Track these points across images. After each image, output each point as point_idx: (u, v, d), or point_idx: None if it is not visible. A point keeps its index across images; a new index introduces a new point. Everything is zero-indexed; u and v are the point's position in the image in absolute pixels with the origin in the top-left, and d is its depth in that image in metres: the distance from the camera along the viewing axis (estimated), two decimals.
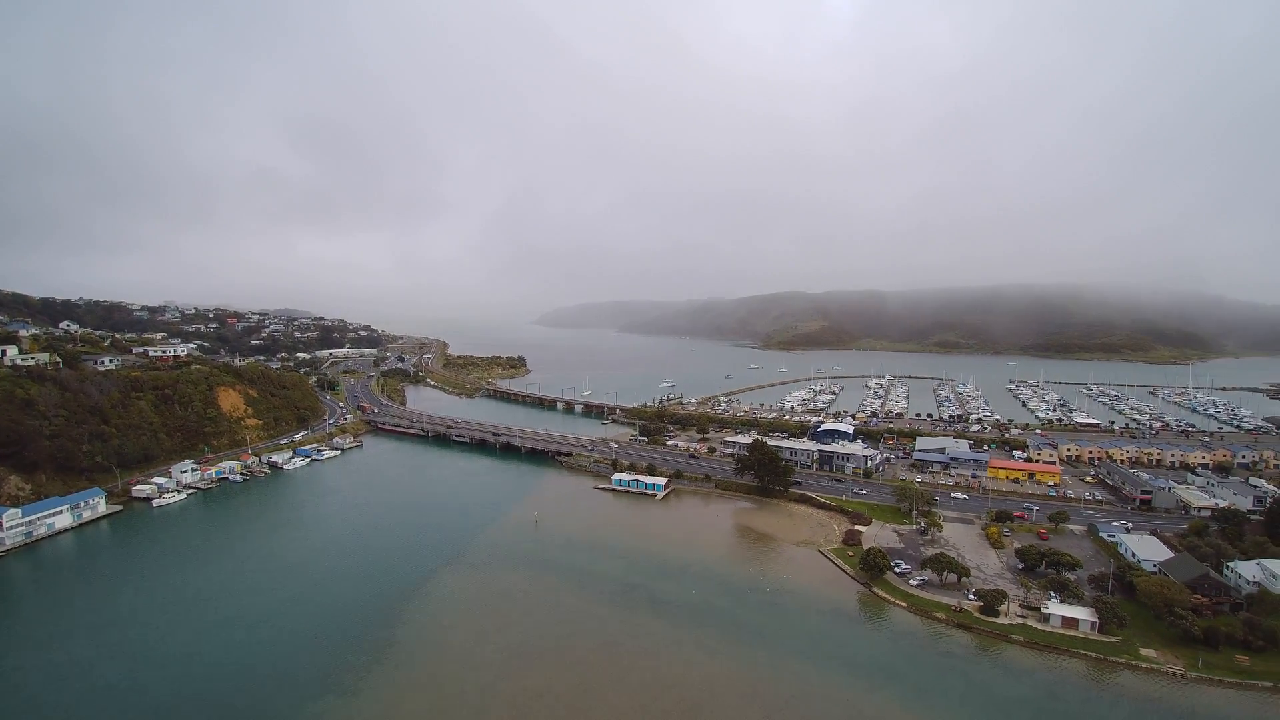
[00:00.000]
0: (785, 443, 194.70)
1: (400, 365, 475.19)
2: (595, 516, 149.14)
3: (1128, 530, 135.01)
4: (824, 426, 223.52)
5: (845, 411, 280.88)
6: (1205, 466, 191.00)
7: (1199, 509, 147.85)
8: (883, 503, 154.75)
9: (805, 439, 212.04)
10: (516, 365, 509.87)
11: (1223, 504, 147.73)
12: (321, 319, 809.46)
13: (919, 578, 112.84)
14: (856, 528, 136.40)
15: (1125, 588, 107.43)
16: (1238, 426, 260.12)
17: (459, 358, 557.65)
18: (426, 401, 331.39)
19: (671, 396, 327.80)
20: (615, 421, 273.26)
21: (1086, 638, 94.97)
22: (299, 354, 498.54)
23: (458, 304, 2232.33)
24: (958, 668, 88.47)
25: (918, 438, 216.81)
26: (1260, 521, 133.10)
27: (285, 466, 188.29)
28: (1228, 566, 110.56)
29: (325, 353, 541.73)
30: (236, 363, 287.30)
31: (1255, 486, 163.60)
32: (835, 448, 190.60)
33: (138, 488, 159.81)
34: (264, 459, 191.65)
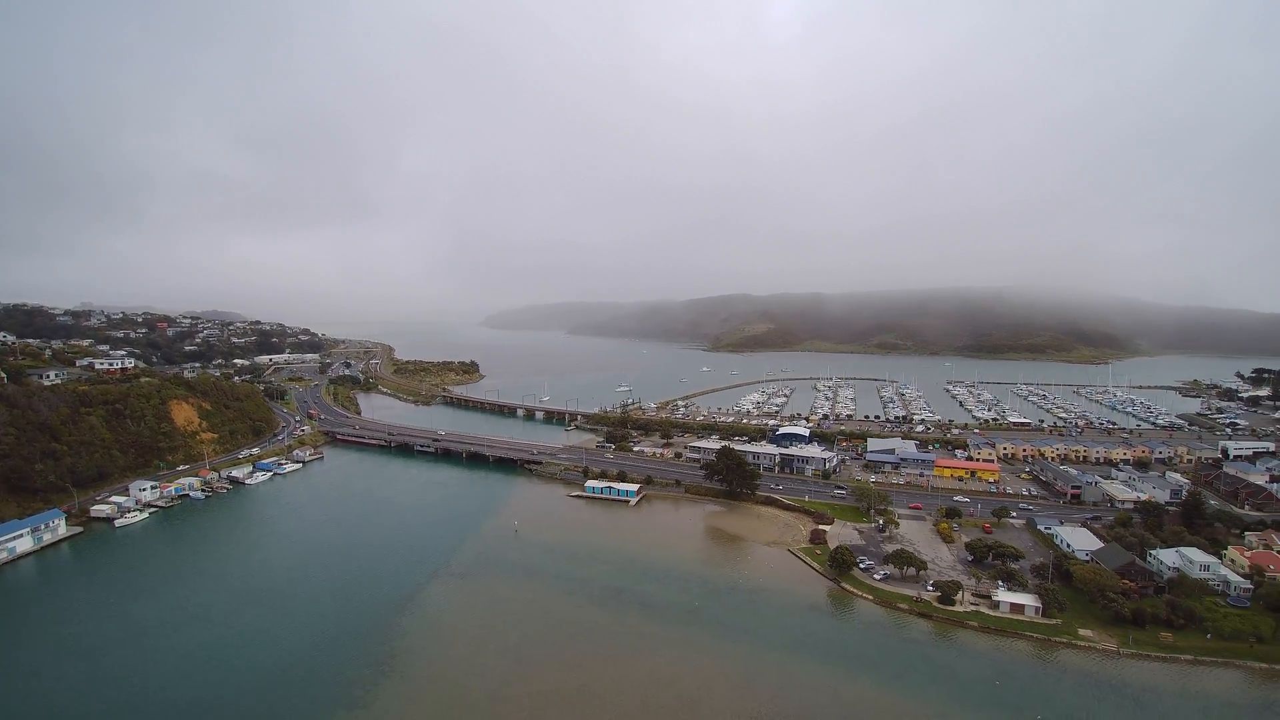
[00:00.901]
0: (748, 447, 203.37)
1: (347, 371, 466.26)
2: (573, 524, 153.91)
3: (1061, 523, 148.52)
4: (782, 430, 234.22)
5: (799, 414, 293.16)
6: (1127, 462, 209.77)
7: (1123, 502, 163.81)
8: (842, 503, 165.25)
9: (764, 442, 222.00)
10: (470, 371, 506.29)
11: (1143, 497, 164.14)
12: (258, 323, 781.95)
13: (882, 572, 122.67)
14: (821, 527, 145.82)
15: (1063, 575, 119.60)
16: (1153, 423, 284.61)
17: (409, 363, 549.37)
18: (381, 410, 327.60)
19: (630, 401, 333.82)
20: (578, 428, 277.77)
21: (1032, 621, 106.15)
22: (237, 360, 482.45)
23: (401, 307, 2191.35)
24: (922, 652, 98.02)
25: (869, 439, 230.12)
26: (1177, 512, 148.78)
27: (247, 482, 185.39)
28: (1150, 554, 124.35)
29: (265, 359, 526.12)
30: (185, 373, 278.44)
31: (1171, 481, 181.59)
32: (795, 451, 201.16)
33: (96, 507, 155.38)
34: (224, 474, 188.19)
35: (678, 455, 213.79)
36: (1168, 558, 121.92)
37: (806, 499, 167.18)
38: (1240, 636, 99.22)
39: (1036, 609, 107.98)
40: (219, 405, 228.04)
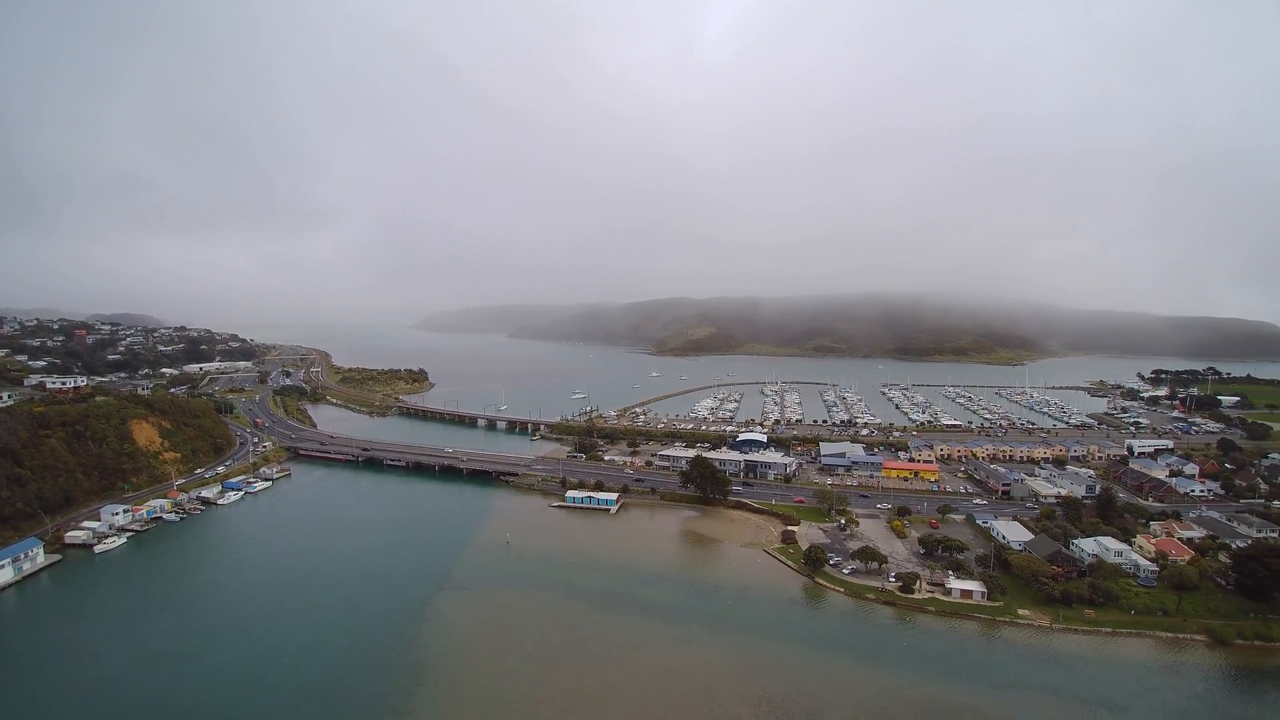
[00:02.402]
0: (714, 454, 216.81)
1: (289, 381, 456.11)
2: (560, 533, 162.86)
3: (996, 518, 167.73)
4: (742, 436, 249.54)
5: (753, 420, 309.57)
6: (1047, 461, 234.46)
7: (1046, 497, 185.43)
8: (806, 505, 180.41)
9: (725, 449, 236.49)
10: (419, 379, 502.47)
11: (1064, 493, 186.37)
12: (184, 329, 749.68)
13: (849, 567, 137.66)
14: (790, 528, 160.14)
15: (1002, 564, 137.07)
16: (1067, 423, 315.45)
17: (352, 371, 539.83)
18: (335, 422, 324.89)
19: (589, 408, 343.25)
20: (543, 437, 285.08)
21: (979, 604, 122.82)
22: (165, 370, 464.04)
23: (331, 310, 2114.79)
24: (890, 635, 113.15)
25: (821, 444, 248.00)
26: (1092, 506, 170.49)
27: (219, 502, 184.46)
28: (1073, 543, 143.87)
29: (195, 368, 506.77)
30: (140, 390, 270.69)
31: (1086, 476, 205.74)
32: (758, 457, 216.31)
33: (71, 534, 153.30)
34: (194, 495, 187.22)
35: (648, 463, 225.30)
36: (1087, 546, 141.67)
37: (774, 502, 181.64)
38: (1150, 611, 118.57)
39: (982, 594, 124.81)
40: (178, 424, 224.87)
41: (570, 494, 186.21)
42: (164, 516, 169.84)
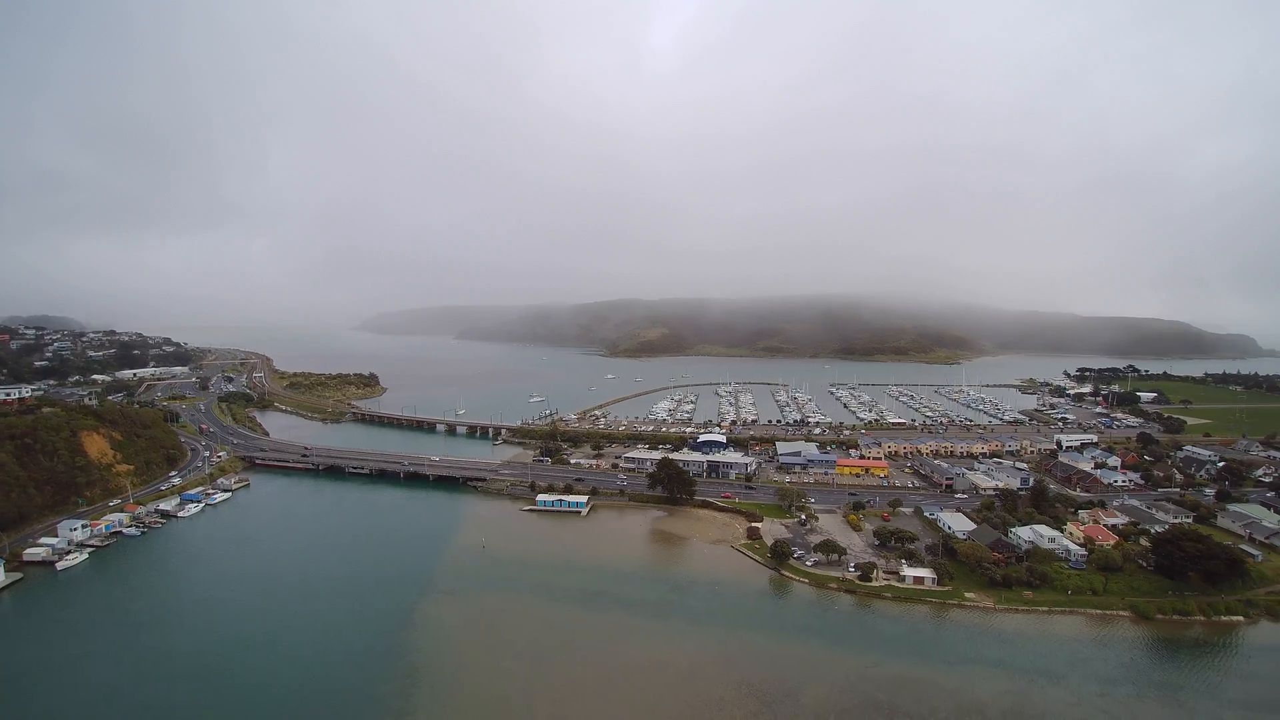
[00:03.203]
0: (678, 455, 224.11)
1: (232, 387, 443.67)
2: (535, 537, 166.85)
3: (941, 510, 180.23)
4: (702, 437, 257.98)
5: (711, 421, 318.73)
6: (985, 455, 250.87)
7: (985, 490, 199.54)
8: (767, 502, 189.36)
9: (686, 449, 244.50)
10: (371, 384, 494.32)
11: (1001, 485, 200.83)
12: (114, 332, 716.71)
13: (812, 559, 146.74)
14: (754, 525, 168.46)
15: (949, 552, 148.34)
16: (1001, 419, 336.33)
17: (298, 375, 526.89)
18: (287, 429, 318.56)
19: (549, 412, 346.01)
20: (505, 442, 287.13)
21: (930, 589, 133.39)
22: (96, 376, 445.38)
23: (269, 311, 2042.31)
24: (854, 619, 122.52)
25: (777, 443, 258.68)
26: (1027, 497, 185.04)
27: (179, 514, 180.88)
28: (1011, 531, 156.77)
29: (129, 373, 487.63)
30: (88, 400, 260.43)
31: (1021, 470, 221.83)
32: (720, 457, 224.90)
33: (29, 550, 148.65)
34: (153, 508, 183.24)
35: (614, 465, 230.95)
36: (1024, 534, 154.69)
37: (737, 500, 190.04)
38: (1080, 591, 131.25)
39: (933, 580, 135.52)
40: (129, 434, 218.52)
41: (541, 497, 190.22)
42: (123, 531, 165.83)
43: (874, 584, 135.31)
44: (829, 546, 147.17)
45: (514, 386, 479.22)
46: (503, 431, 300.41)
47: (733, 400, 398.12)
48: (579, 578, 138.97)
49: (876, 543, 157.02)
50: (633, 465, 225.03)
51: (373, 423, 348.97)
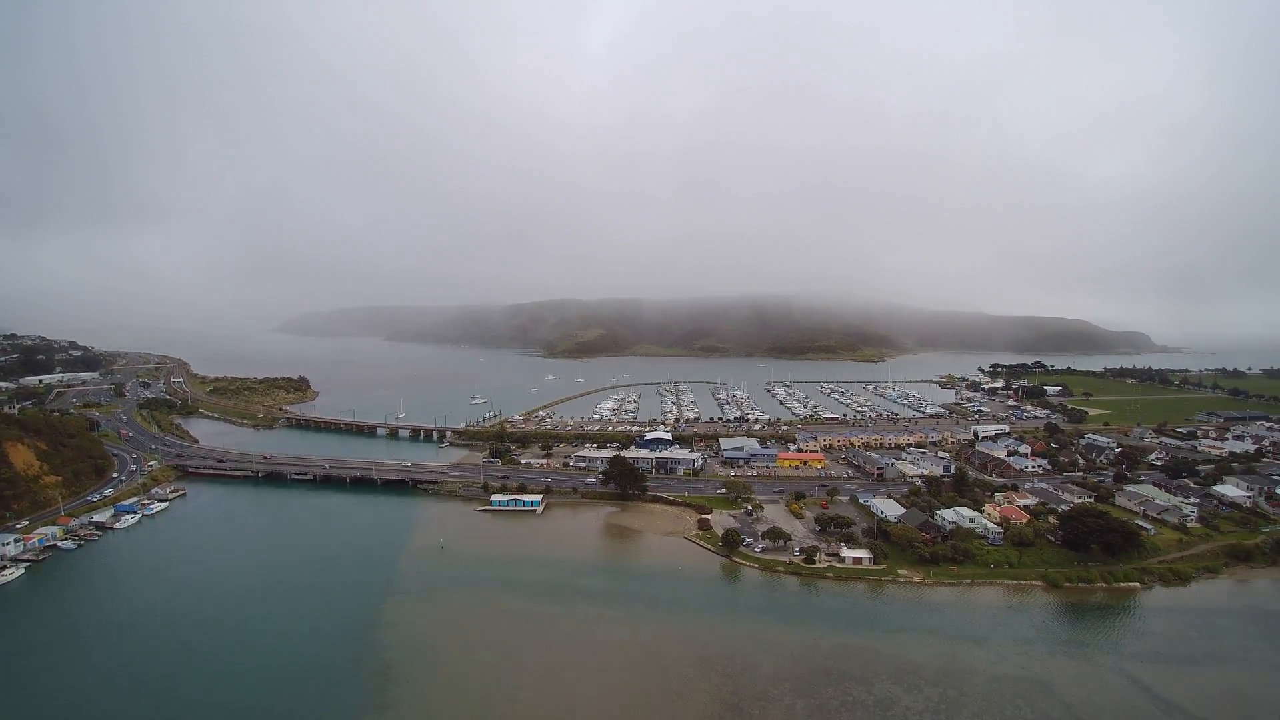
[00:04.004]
0: (629, 453, 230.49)
1: (150, 393, 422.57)
2: (492, 536, 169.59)
3: (874, 496, 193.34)
4: (649, 435, 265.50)
5: (655, 420, 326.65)
6: (911, 446, 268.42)
7: (913, 477, 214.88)
8: (714, 495, 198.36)
9: (633, 447, 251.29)
10: (301, 388, 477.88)
11: (926, 473, 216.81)
12: (14, 336, 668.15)
13: (760, 546, 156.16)
14: (704, 516, 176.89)
15: (883, 534, 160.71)
16: (923, 412, 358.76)
17: (221, 380, 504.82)
18: (217, 436, 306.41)
19: (493, 413, 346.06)
20: (451, 444, 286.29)
21: (868, 568, 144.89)
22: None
23: (178, 312, 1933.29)
24: (801, 598, 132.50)
25: (720, 439, 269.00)
26: (950, 482, 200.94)
27: (115, 526, 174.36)
28: (936, 514, 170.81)
29: (35, 380, 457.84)
30: (9, 409, 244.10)
31: (943, 459, 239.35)
32: (668, 454, 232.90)
33: None
34: (86, 520, 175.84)
35: (565, 464, 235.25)
36: (948, 515, 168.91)
37: (686, 494, 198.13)
38: (998, 564, 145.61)
39: (869, 559, 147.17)
40: (55, 444, 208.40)
41: (495, 497, 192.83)
42: (58, 545, 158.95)
43: (817, 566, 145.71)
44: (775, 533, 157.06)
45: (454, 389, 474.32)
46: (447, 434, 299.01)
47: (674, 399, 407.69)
48: (541, 572, 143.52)
49: (817, 528, 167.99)
50: (583, 464, 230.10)
51: (309, 428, 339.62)
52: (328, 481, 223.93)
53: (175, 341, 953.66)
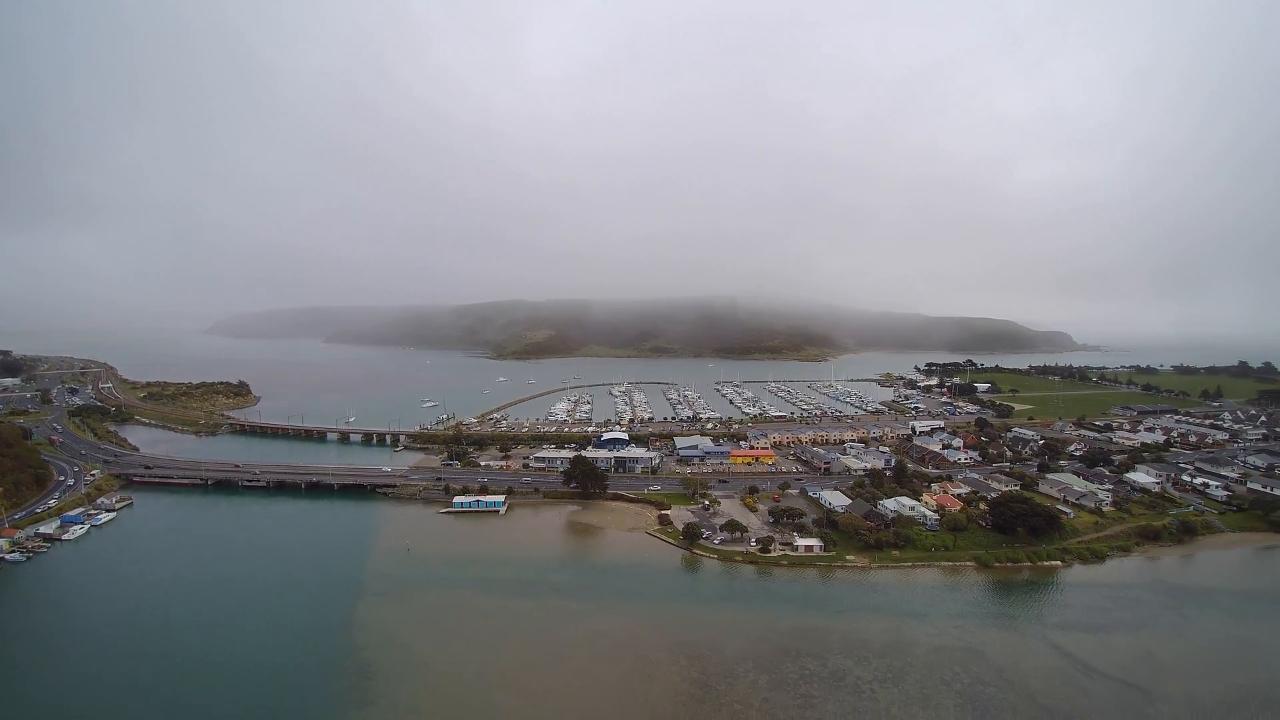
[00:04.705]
0: (588, 453, 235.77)
1: (79, 399, 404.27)
2: (457, 537, 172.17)
3: (822, 489, 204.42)
4: (606, 436, 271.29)
5: (610, 420, 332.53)
6: (854, 441, 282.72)
7: (857, 470, 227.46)
8: (672, 491, 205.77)
9: (591, 447, 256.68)
10: (242, 393, 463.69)
11: (869, 466, 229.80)
12: None
13: (719, 538, 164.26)
14: (664, 512, 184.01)
15: (831, 524, 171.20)
16: (865, 409, 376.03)
17: (154, 385, 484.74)
18: (157, 444, 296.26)
19: (446, 416, 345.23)
20: (406, 448, 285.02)
21: (818, 555, 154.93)
22: None
23: (102, 314, 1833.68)
24: (759, 585, 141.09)
25: (675, 438, 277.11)
26: (891, 475, 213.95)
27: (64, 538, 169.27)
28: (879, 504, 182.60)
29: None
30: None
31: (884, 452, 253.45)
32: (625, 453, 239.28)
33: None
34: (32, 531, 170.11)
35: (525, 465, 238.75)
36: (890, 505, 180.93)
37: (645, 492, 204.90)
38: (935, 548, 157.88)
39: (820, 547, 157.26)
40: None
41: (458, 499, 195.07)
42: (5, 557, 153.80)
43: (772, 555, 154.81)
44: (732, 526, 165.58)
45: (403, 391, 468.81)
46: (401, 438, 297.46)
47: (627, 400, 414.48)
48: (509, 570, 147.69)
49: (771, 520, 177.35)
50: (543, 464, 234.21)
51: (254, 434, 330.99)
52: (281, 488, 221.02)
53: (99, 345, 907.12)
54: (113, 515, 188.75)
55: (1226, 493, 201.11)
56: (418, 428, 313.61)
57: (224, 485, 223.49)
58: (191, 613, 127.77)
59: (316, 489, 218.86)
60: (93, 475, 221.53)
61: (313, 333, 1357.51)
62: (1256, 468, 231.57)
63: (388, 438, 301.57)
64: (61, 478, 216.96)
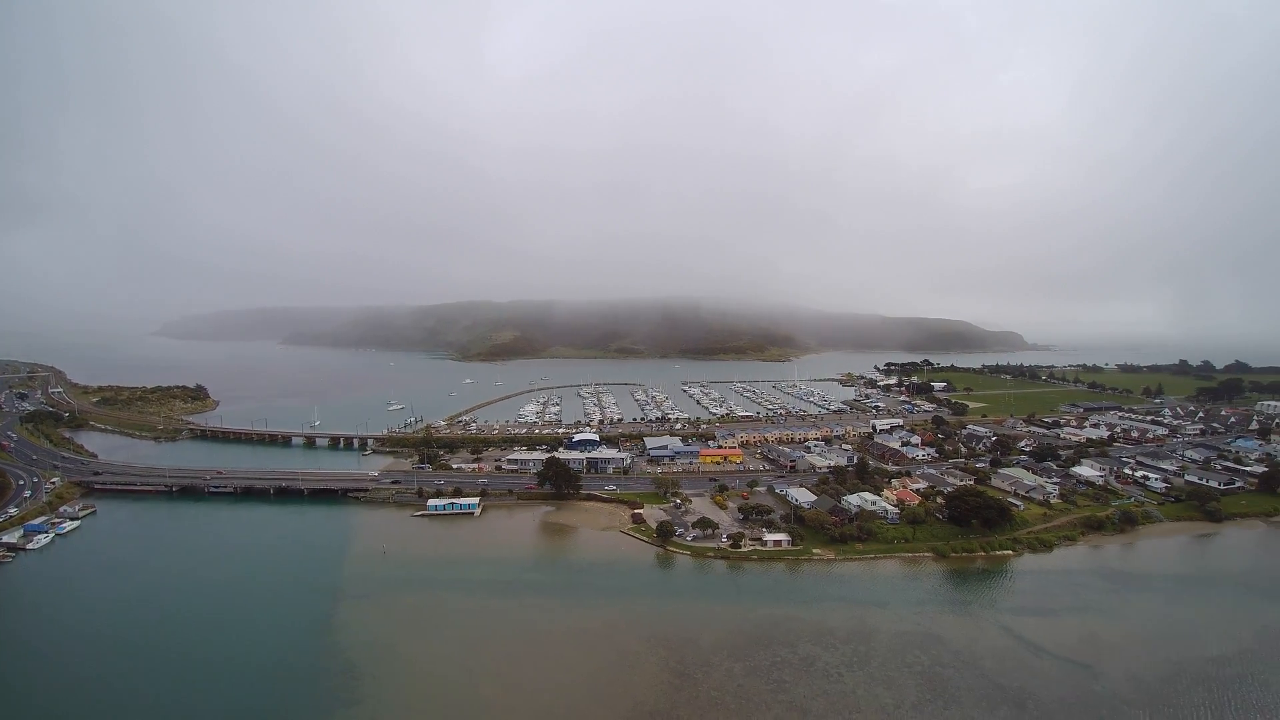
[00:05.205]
0: (561, 454, 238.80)
1: (29, 405, 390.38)
2: (433, 539, 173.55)
3: (789, 486, 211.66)
4: (577, 437, 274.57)
5: (580, 421, 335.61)
6: (818, 440, 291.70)
7: (821, 468, 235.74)
8: (644, 491, 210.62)
9: (562, 448, 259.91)
10: (199, 397, 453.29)
11: (832, 463, 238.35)
12: None
13: (691, 535, 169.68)
14: (637, 511, 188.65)
15: (798, 519, 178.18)
16: (827, 409, 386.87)
17: (106, 389, 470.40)
18: (116, 450, 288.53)
19: (412, 419, 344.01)
20: (375, 452, 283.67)
21: (787, 549, 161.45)
22: None
23: (44, 316, 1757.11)
24: (731, 579, 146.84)
25: (645, 438, 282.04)
26: (853, 471, 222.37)
27: (28, 547, 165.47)
28: (843, 499, 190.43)
29: None
30: None
31: (846, 450, 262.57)
32: (597, 454, 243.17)
33: None
34: None
35: (497, 468, 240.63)
36: (853, 500, 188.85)
37: (618, 492, 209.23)
38: (896, 540, 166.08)
39: (788, 541, 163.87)
40: None
41: (432, 502, 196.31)
42: None
43: (743, 550, 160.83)
44: (704, 523, 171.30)
45: (367, 394, 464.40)
46: (370, 441, 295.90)
47: (596, 401, 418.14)
48: (487, 571, 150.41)
49: (741, 517, 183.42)
50: (516, 466, 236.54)
51: (216, 439, 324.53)
52: (249, 493, 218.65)
53: (44, 348, 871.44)
54: (77, 524, 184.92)
55: (1165, 485, 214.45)
56: (385, 431, 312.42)
57: (189, 491, 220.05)
58: (168, 617, 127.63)
59: (286, 494, 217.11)
60: (53, 483, 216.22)
61: (267, 334, 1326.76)
62: (1194, 461, 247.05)
63: (355, 441, 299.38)
64: (20, 486, 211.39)
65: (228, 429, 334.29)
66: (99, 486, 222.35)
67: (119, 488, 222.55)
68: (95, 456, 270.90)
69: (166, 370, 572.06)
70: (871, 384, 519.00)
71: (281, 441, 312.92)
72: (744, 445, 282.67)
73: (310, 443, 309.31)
